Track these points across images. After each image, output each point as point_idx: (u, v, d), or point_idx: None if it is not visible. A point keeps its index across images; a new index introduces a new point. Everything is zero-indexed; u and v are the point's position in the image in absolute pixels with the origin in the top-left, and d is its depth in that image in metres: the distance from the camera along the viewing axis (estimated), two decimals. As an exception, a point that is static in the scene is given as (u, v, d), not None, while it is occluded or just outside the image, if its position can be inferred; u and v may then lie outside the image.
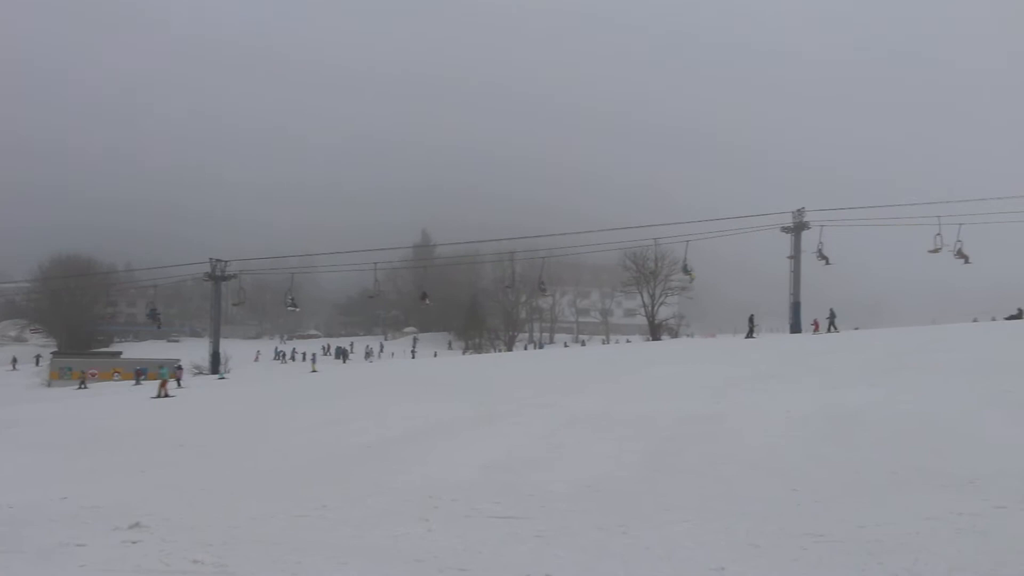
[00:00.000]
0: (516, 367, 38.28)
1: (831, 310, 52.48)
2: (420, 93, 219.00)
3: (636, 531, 9.51)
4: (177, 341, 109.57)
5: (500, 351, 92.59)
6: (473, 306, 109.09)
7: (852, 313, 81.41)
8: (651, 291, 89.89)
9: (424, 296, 61.24)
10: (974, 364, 23.37)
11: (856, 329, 56.88)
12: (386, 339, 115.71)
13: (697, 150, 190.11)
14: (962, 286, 78.18)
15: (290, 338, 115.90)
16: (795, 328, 56.30)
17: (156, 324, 62.44)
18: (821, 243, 52.21)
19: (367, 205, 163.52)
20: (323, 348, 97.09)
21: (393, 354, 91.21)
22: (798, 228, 55.51)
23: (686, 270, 56.24)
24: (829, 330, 51.49)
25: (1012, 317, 52.25)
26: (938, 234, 48.83)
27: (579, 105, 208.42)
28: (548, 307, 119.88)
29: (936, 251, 49.36)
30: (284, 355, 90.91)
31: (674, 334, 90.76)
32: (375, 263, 57.38)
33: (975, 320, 59.67)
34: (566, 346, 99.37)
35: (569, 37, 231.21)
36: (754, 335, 50.17)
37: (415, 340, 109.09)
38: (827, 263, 52.71)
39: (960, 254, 49.35)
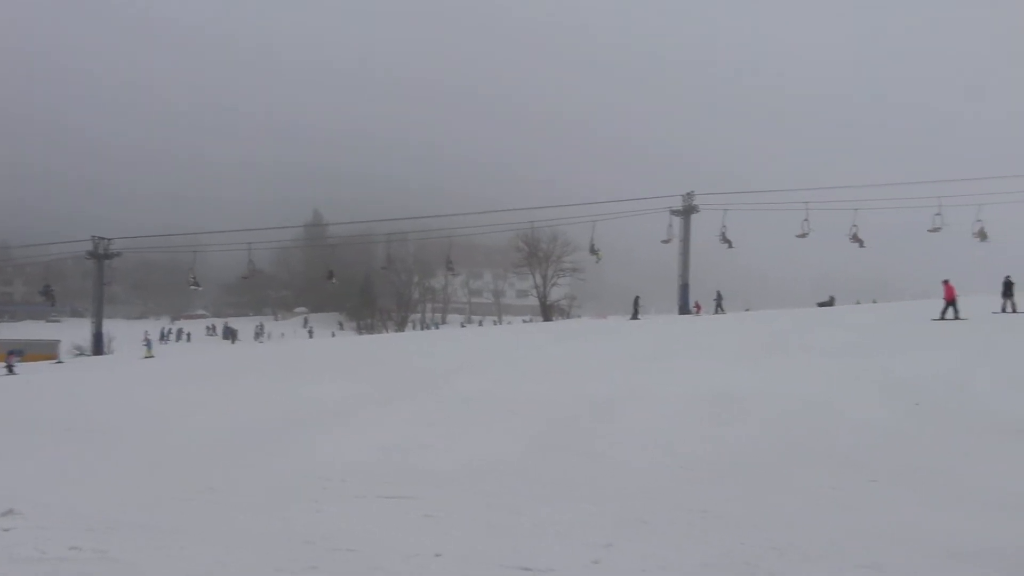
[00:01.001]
0: (411, 347, 38.09)
1: (718, 292, 53.73)
2: (307, 78, 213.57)
3: (526, 510, 9.59)
4: (58, 321, 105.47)
5: (391, 332, 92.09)
6: (365, 286, 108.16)
7: (754, 296, 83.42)
8: (543, 272, 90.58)
9: (331, 275, 60.54)
10: (854, 343, 24.29)
11: (747, 310, 58.34)
12: (276, 320, 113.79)
13: (594, 141, 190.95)
14: (852, 270, 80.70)
15: (177, 318, 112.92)
16: (684, 310, 57.33)
17: (50, 302, 60.21)
18: (724, 227, 53.30)
19: (256, 182, 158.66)
20: (207, 328, 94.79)
21: (283, 335, 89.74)
22: (687, 211, 56.44)
23: (593, 250, 56.77)
24: (716, 312, 52.65)
25: (824, 304, 54.64)
26: (805, 219, 50.69)
27: (480, 94, 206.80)
28: (441, 288, 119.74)
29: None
30: (168, 335, 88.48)
31: (566, 315, 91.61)
32: (249, 244, 55.70)
33: (858, 302, 61.72)
34: (463, 326, 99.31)
35: (465, 21, 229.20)
36: (639, 317, 50.98)
37: (306, 320, 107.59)
38: (730, 246, 53.82)
39: (855, 238, 51.13)
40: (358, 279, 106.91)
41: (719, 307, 53.48)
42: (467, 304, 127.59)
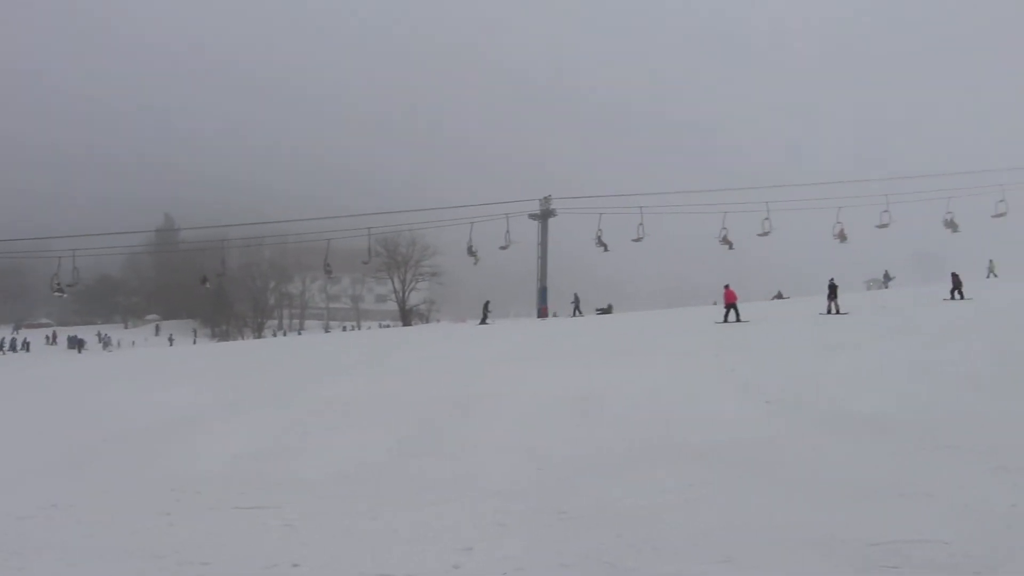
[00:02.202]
0: (269, 353, 37.32)
1: (575, 295, 54.62)
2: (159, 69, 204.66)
3: (386, 515, 9.50)
4: None
5: (248, 338, 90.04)
6: (220, 292, 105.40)
7: (620, 298, 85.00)
8: (402, 277, 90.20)
9: (204, 280, 58.97)
10: (703, 344, 25.05)
11: (606, 312, 59.30)
12: (126, 328, 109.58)
13: (455, 151, 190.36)
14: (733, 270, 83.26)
15: (19, 327, 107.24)
16: (540, 313, 58.07)
17: None
18: (600, 230, 54.06)
19: (112, 180, 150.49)
20: (47, 337, 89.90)
21: (134, 343, 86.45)
22: (545, 215, 57.23)
23: (471, 252, 56.87)
24: (574, 314, 53.46)
25: (602, 311, 56.75)
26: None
27: (342, 100, 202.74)
28: (298, 293, 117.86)
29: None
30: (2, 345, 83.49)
31: (425, 320, 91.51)
32: (73, 251, 51.83)
33: (715, 303, 63.68)
34: (327, 331, 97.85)
35: (330, 28, 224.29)
36: (487, 321, 51.36)
37: (158, 328, 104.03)
38: (605, 249, 54.63)
39: (725, 240, 52.87)
40: (212, 285, 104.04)
41: (577, 310, 54.31)
42: (325, 309, 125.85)
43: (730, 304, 33.52)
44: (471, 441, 13.98)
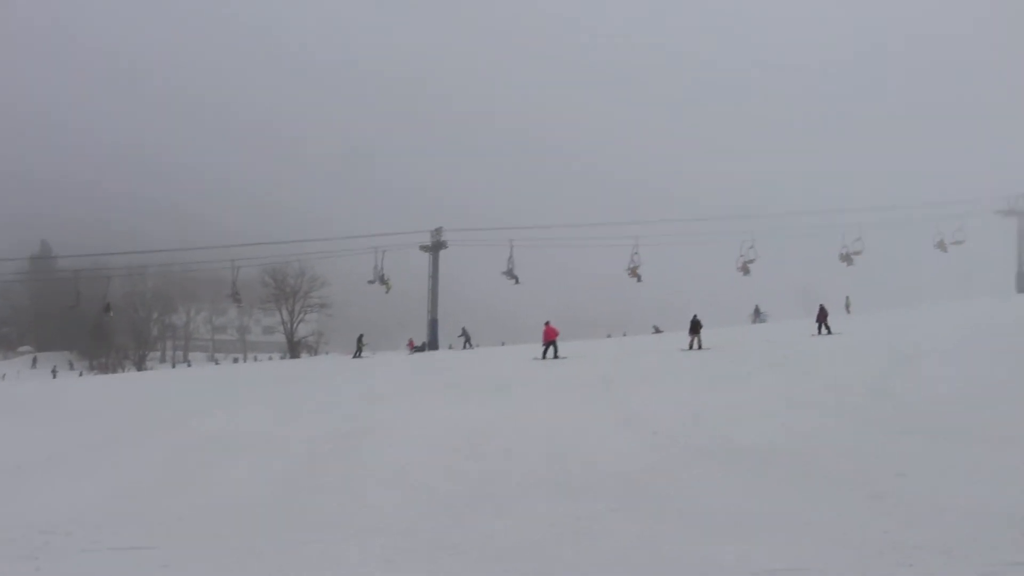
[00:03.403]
0: (146, 387, 36.20)
1: (463, 328, 54.62)
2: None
3: (270, 554, 9.28)
4: None
5: (129, 371, 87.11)
6: (99, 323, 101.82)
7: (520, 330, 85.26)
8: (290, 308, 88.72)
9: (108, 307, 57.19)
10: (592, 377, 25.28)
11: (503, 344, 59.42)
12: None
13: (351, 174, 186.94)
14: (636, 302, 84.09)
15: None
16: (433, 345, 57.82)
17: None
18: (511, 262, 54.35)
19: None
20: None
21: (4, 376, 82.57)
22: (436, 247, 57.17)
23: (383, 280, 56.38)
24: (464, 347, 53.41)
25: (417, 349, 57.50)
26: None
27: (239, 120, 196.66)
28: (183, 324, 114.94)
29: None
30: None
31: (313, 352, 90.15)
32: None
33: (608, 335, 64.38)
34: (216, 363, 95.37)
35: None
36: (361, 355, 51.05)
37: (35, 360, 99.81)
38: (516, 282, 54.87)
39: (633, 273, 53.80)
40: (92, 315, 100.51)
41: (467, 343, 54.30)
42: (211, 341, 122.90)
43: (549, 341, 33.87)
44: (358, 476, 13.80)
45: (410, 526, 10.33)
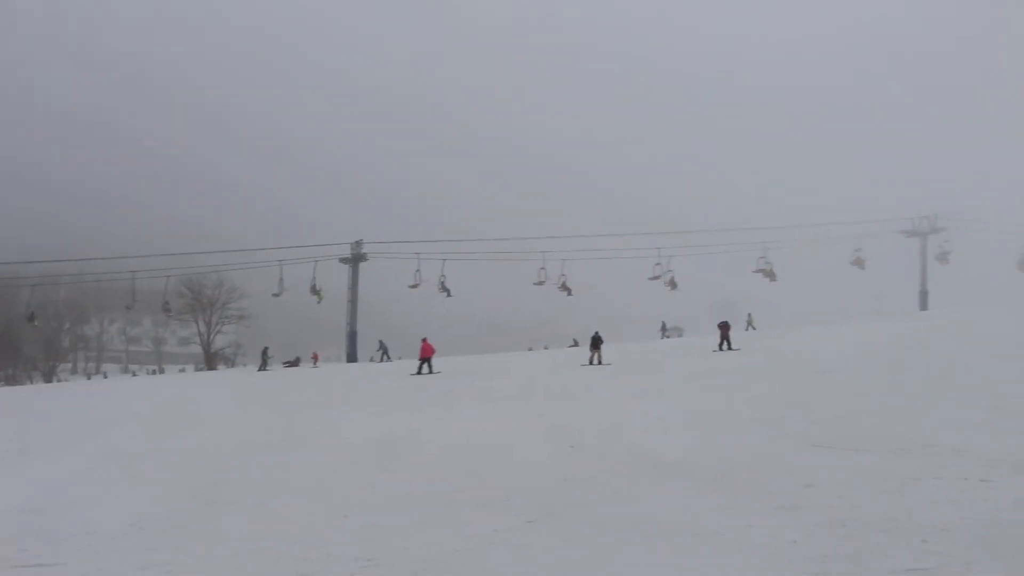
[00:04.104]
0: (57, 398, 35.31)
1: (380, 341, 54.50)
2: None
3: (181, 568, 9.15)
4: None
5: (38, 383, 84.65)
6: (7, 334, 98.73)
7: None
8: (207, 319, 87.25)
9: (32, 317, 55.76)
10: (512, 389, 25.45)
11: (294, 364, 59.21)
12: None
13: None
14: (564, 315, 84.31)
15: None
16: (351, 358, 57.49)
17: None
18: (443, 276, 54.62)
19: None
20: None
21: None
22: (356, 259, 56.93)
23: (315, 290, 55.91)
24: (383, 360, 53.23)
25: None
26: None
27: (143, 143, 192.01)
28: (96, 335, 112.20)
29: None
30: None
31: (231, 363, 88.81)
32: None
33: (530, 348, 64.73)
34: (134, 375, 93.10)
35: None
36: (267, 368, 50.65)
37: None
38: (448, 295, 55.10)
39: (564, 287, 54.50)
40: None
41: (385, 355, 54.10)
42: (124, 352, 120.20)
43: (424, 358, 34.31)
44: (273, 489, 13.68)
45: (326, 538, 10.29)
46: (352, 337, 58.21)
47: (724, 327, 36.15)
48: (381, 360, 53.87)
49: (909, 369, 23.69)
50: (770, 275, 59.20)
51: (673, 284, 56.68)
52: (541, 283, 54.59)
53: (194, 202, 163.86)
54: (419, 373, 33.82)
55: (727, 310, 69.61)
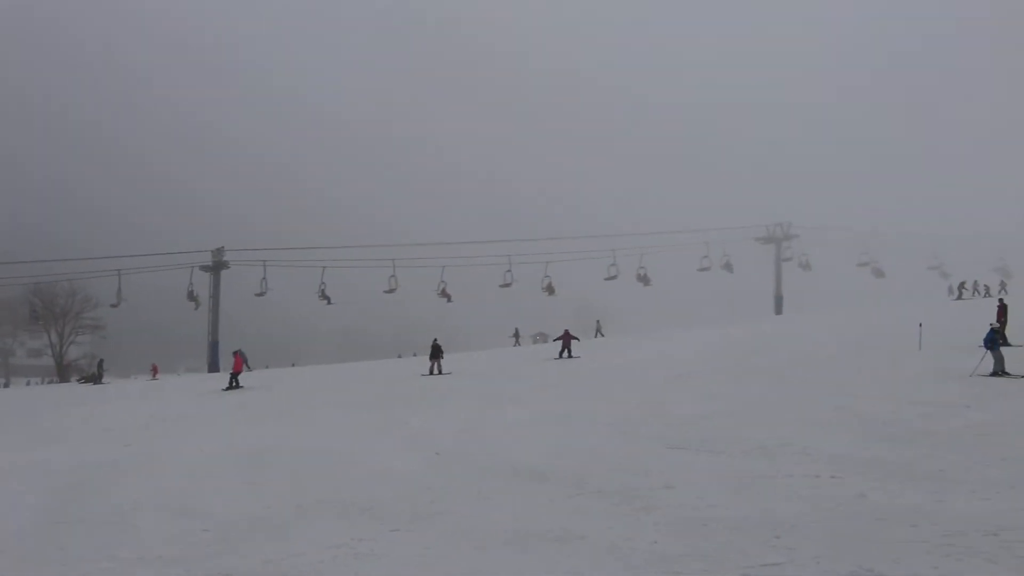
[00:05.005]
0: None
1: (239, 350, 53.46)
2: None
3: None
4: None
5: None
6: None
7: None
8: (59, 330, 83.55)
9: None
10: (375, 398, 25.29)
11: (293, 365, 58.40)
12: None
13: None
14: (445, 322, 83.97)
15: None
16: (213, 367, 56.16)
17: None
18: (323, 284, 54.47)
19: None
20: None
21: None
22: (217, 267, 55.71)
23: (192, 297, 54.50)
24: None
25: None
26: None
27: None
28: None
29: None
30: None
31: (86, 376, 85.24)
32: None
33: (399, 356, 64.27)
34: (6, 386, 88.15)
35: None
36: (103, 381, 49.39)
37: None
38: (329, 303, 56.62)
39: (444, 293, 55.02)
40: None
41: (244, 364, 52.94)
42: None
43: (236, 372, 33.93)
44: (128, 504, 13.21)
45: (184, 553, 9.98)
46: (214, 347, 56.86)
47: (566, 337, 36.47)
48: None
49: (761, 371, 24.57)
50: (644, 280, 61.33)
51: (551, 290, 58.05)
52: (441, 292, 56.35)
53: (42, 208, 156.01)
54: (229, 387, 32.94)
55: (591, 315, 70.76)
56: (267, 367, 57.95)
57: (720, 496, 11.09)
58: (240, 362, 33.92)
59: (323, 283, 55.05)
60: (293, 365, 59.44)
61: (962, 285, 55.27)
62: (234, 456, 17.06)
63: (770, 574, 7.67)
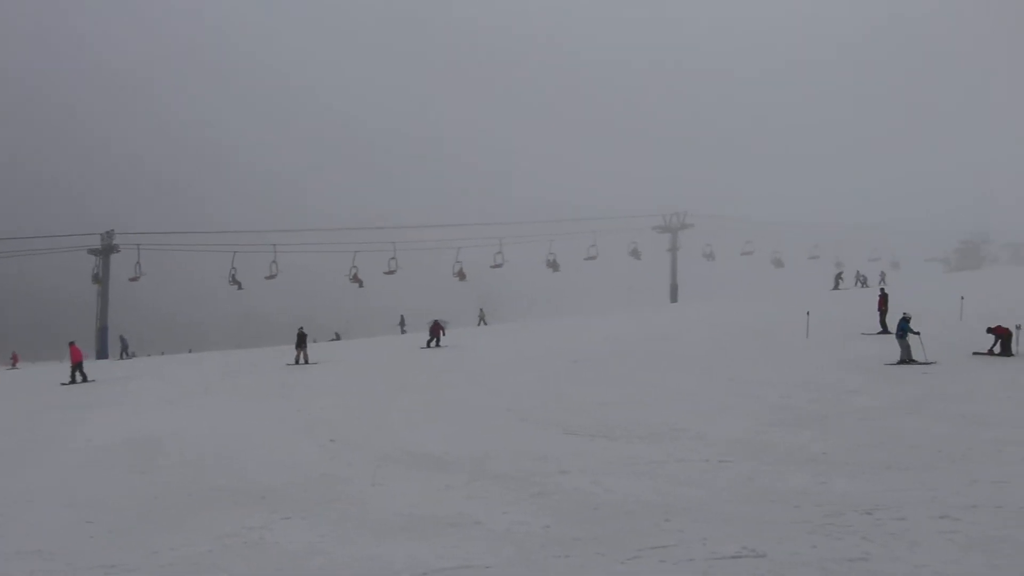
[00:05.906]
0: None
1: (121, 336, 52.03)
2: None
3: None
4: None
5: None
6: None
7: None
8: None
9: None
10: (271, 385, 24.95)
11: (162, 354, 56.83)
12: None
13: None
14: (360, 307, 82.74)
15: None
16: (102, 355, 54.49)
17: None
18: (234, 268, 53.81)
19: None
20: None
21: None
22: (106, 251, 54.13)
23: (97, 279, 53.00)
24: (122, 357, 50.49)
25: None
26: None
27: None
28: None
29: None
30: None
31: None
32: None
33: (337, 335, 63.15)
34: None
35: None
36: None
37: None
38: (239, 288, 56.12)
39: (355, 278, 55.06)
40: None
41: (125, 352, 51.51)
42: None
43: (77, 363, 31.90)
44: (15, 494, 12.75)
45: (66, 547, 9.69)
46: (102, 333, 55.15)
47: (435, 326, 36.36)
48: (120, 357, 51.06)
49: (655, 358, 24.98)
50: (554, 266, 62.49)
51: (462, 276, 58.60)
52: (354, 281, 56.73)
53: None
54: (72, 382, 31.10)
55: (486, 302, 70.88)
56: (163, 353, 56.54)
57: (615, 480, 11.30)
58: (78, 352, 31.53)
59: (234, 268, 54.62)
60: (190, 351, 57.91)
61: (839, 276, 57.05)
62: (124, 445, 16.60)
63: (659, 556, 7.84)
